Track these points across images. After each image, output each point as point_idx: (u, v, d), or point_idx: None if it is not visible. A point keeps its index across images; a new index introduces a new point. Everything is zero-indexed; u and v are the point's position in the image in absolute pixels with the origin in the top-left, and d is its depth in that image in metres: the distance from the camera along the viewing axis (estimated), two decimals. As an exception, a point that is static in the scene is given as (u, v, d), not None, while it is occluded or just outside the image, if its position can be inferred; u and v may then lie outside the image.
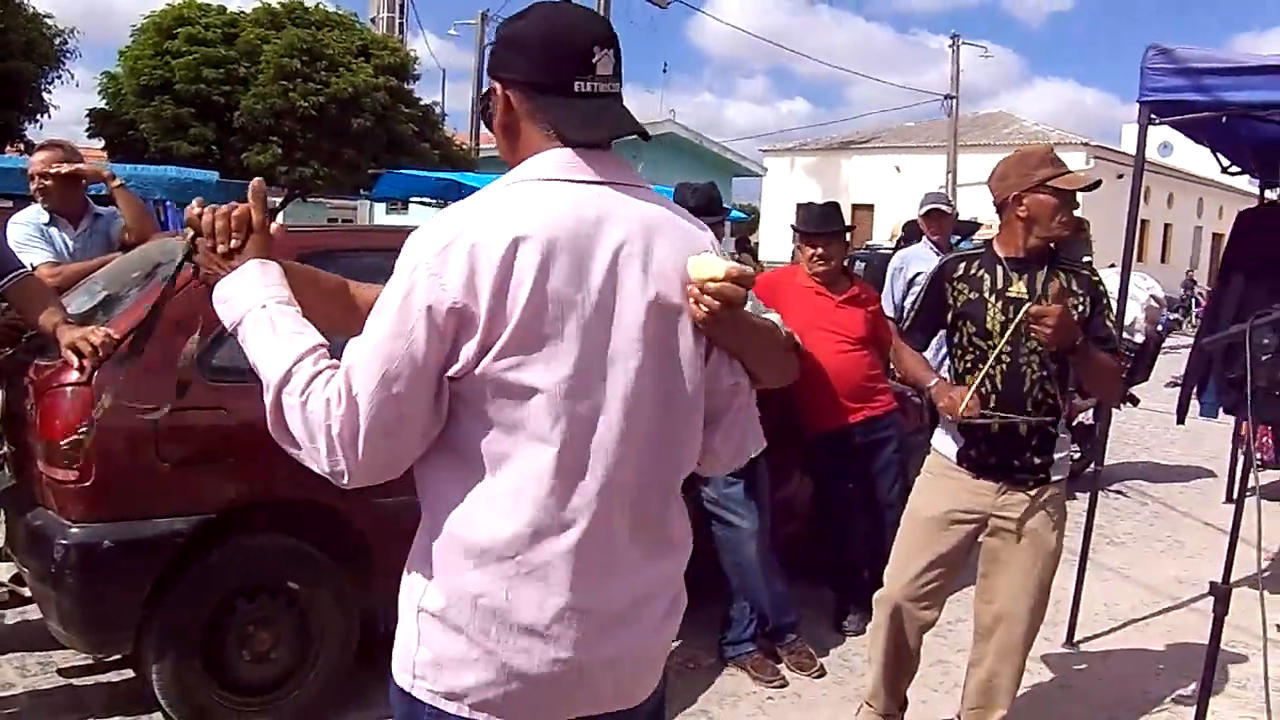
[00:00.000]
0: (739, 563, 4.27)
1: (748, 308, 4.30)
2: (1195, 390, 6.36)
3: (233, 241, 1.66)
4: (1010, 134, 32.60)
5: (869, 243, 20.66)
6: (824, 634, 4.74)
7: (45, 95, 17.74)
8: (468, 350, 1.50)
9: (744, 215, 25.50)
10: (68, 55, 17.86)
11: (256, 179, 1.73)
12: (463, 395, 1.54)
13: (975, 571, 3.56)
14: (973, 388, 3.29)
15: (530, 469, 1.54)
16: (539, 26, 1.64)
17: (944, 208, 6.48)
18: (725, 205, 5.06)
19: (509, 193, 1.59)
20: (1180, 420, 6.49)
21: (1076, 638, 4.83)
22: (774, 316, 4.56)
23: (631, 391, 1.58)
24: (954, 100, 30.50)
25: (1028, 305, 3.22)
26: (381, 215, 21.91)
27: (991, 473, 3.38)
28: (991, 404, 3.31)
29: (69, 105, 44.95)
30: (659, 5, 21.01)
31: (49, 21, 17.53)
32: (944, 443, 3.50)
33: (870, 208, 32.83)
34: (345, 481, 1.52)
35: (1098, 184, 3.40)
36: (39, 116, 17.84)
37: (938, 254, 6.18)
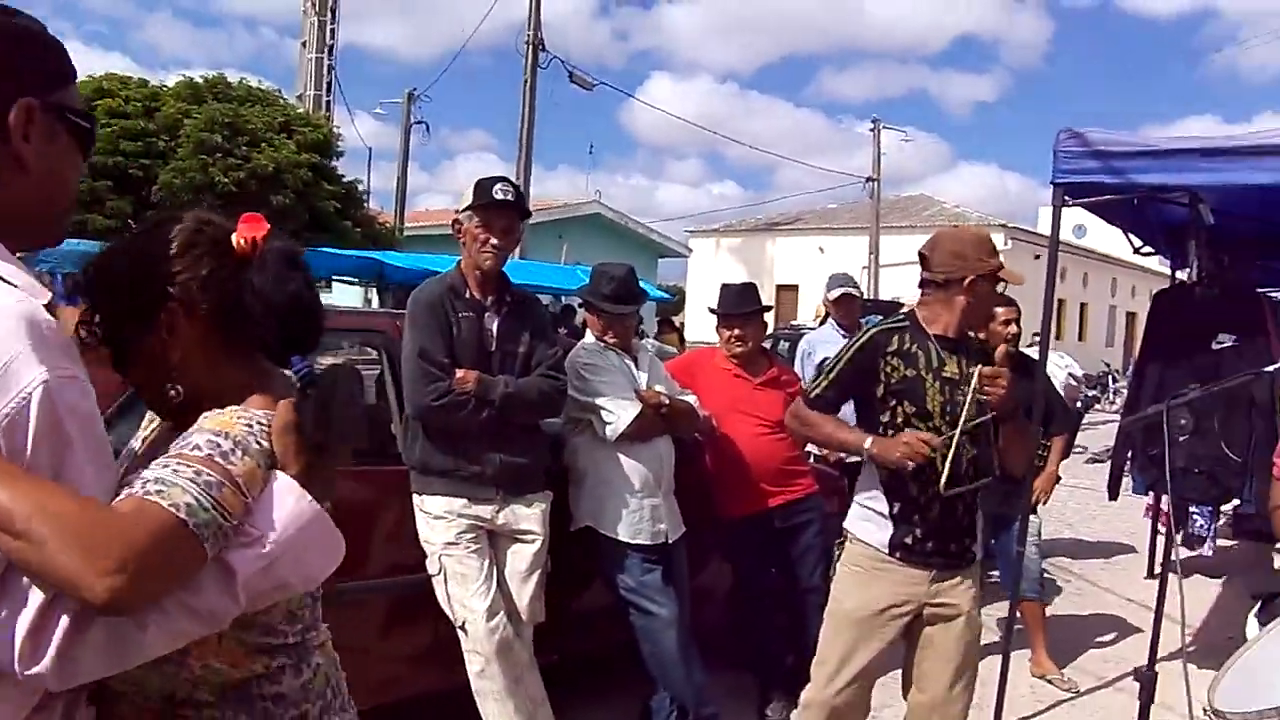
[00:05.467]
0: (657, 652, 4.12)
1: (660, 388, 4.31)
2: (1126, 467, 6.45)
3: None
4: (931, 215, 33.34)
5: (793, 322, 20.83)
6: (746, 724, 4.59)
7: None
8: None
9: (670, 296, 25.66)
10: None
11: None
12: None
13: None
14: (949, 460, 3.15)
15: None
16: None
17: (853, 291, 6.48)
18: (647, 287, 5.01)
19: None
20: (1113, 497, 6.55)
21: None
22: (691, 398, 4.50)
23: None
24: (875, 183, 31.17)
25: (978, 368, 3.18)
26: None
27: (926, 560, 3.28)
28: (932, 490, 3.20)
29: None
30: (584, 88, 21.22)
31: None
32: (868, 532, 3.34)
33: (795, 288, 33.19)
34: None
35: (1021, 281, 3.41)
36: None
37: (845, 337, 6.15)
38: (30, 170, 1.36)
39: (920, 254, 3.39)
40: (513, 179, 3.91)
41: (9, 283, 1.27)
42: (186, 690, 1.49)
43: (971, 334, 3.38)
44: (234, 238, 1.53)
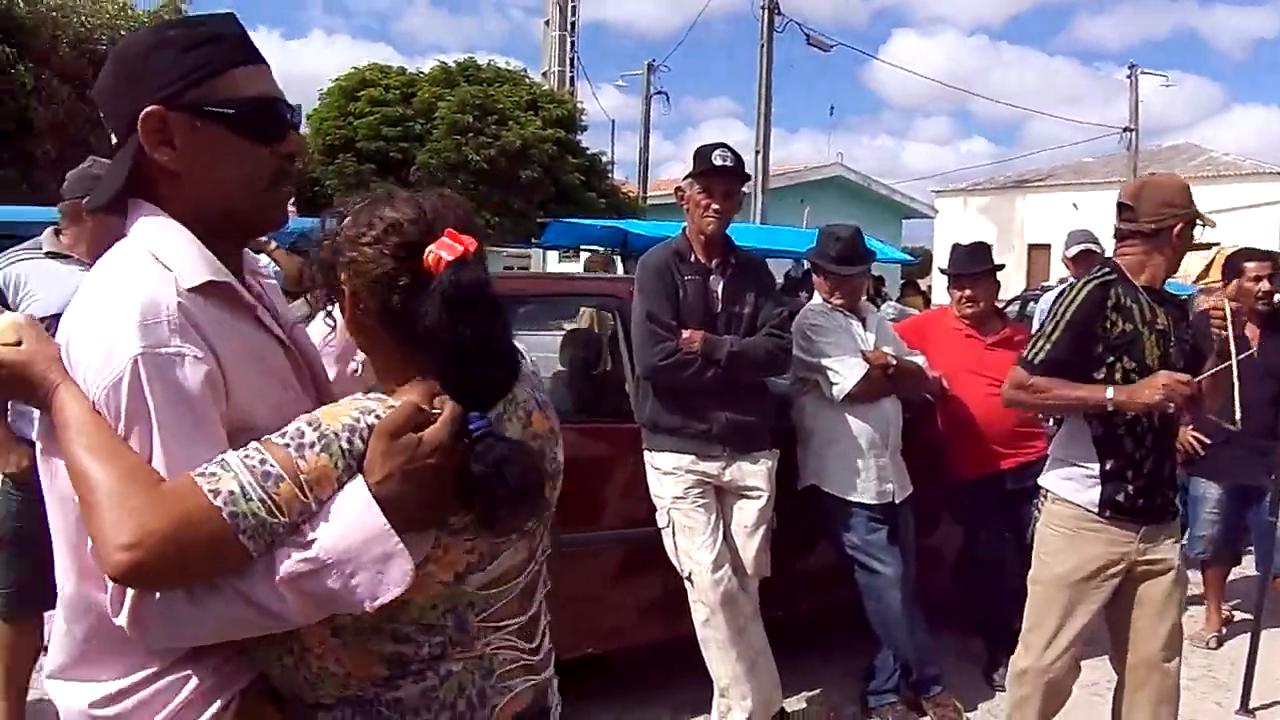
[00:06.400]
0: (881, 610, 4.16)
1: (887, 349, 4.31)
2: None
3: None
4: (1197, 166, 31.08)
5: (1044, 283, 19.97)
6: (973, 687, 4.56)
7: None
8: None
9: (914, 258, 25.02)
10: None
11: None
12: None
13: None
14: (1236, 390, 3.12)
15: None
16: None
17: (1093, 247, 6.20)
18: (889, 250, 4.97)
19: None
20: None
21: (1253, 704, 4.48)
22: (919, 359, 4.48)
23: None
24: (1133, 133, 29.34)
25: (1224, 300, 3.23)
26: (554, 262, 22.51)
27: (1136, 516, 3.20)
28: (1148, 443, 3.18)
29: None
30: (821, 49, 20.98)
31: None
32: (1073, 491, 3.26)
33: (1046, 247, 31.71)
34: None
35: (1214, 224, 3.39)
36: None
37: None
38: (180, 173, 1.45)
39: (1121, 203, 3.29)
40: (730, 144, 3.97)
41: (163, 264, 1.41)
42: (307, 690, 1.46)
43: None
44: (428, 250, 1.39)
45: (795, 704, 4.36)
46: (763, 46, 20.39)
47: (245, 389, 1.42)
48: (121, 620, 1.31)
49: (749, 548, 3.95)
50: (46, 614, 4.03)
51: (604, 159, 22.49)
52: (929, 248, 36.52)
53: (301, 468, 1.31)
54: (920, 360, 4.49)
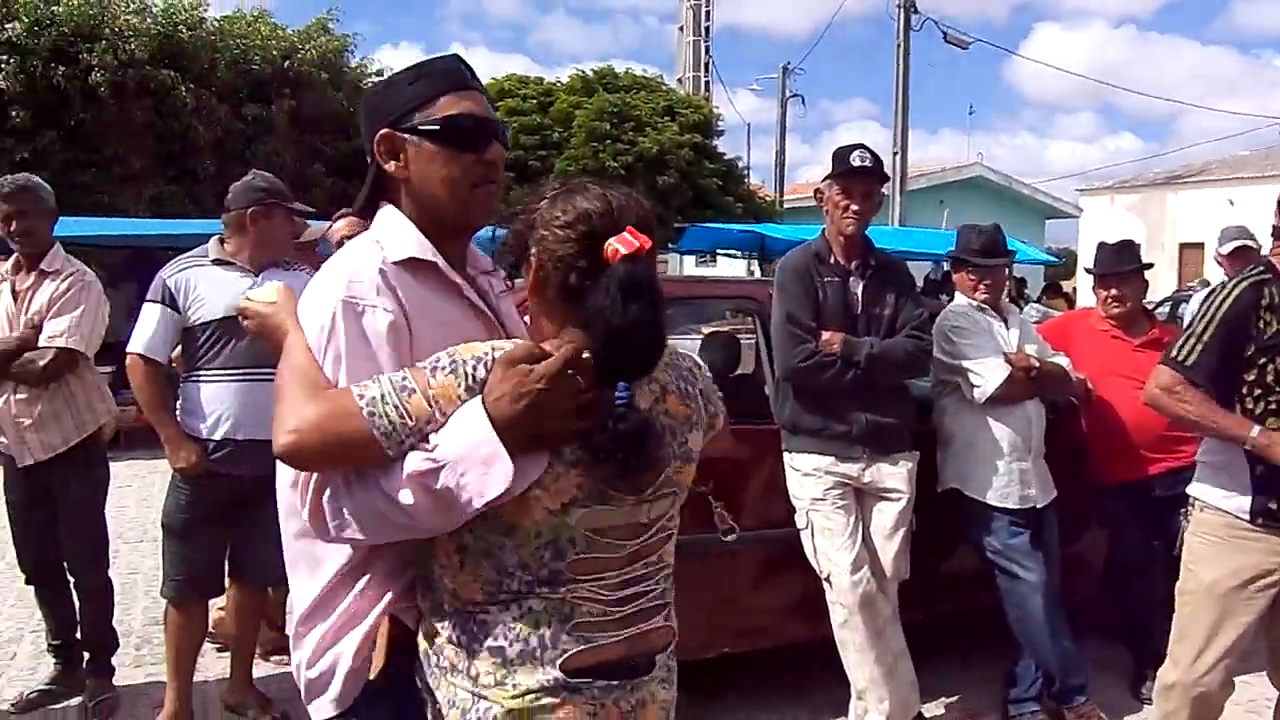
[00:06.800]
0: (1023, 617, 4.09)
1: (1030, 349, 4.24)
2: None
3: None
4: (1367, 159, 29.47)
5: (1190, 284, 19.23)
6: (1118, 699, 4.44)
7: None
8: None
9: (1058, 259, 24.33)
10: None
11: None
12: None
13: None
14: None
15: None
16: None
17: (1250, 244, 5.95)
18: (1033, 251, 4.89)
19: None
20: None
21: None
22: (1063, 360, 4.41)
23: None
24: (1295, 125, 27.97)
25: None
26: (691, 267, 22.63)
27: None
28: None
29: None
30: (959, 46, 20.61)
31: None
32: (1224, 499, 3.14)
33: (1199, 246, 30.45)
34: None
35: None
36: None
37: None
38: (407, 179, 1.85)
39: None
40: (869, 145, 3.97)
41: (380, 245, 1.80)
42: (440, 600, 1.73)
43: None
44: (608, 242, 1.62)
45: (934, 709, 4.33)
46: (899, 46, 20.15)
47: (431, 345, 1.69)
48: (304, 515, 1.66)
49: (888, 550, 3.95)
50: (212, 602, 4.27)
51: (740, 163, 22.56)
52: (1073, 248, 35.44)
53: (431, 385, 1.59)
54: (1064, 362, 4.41)
